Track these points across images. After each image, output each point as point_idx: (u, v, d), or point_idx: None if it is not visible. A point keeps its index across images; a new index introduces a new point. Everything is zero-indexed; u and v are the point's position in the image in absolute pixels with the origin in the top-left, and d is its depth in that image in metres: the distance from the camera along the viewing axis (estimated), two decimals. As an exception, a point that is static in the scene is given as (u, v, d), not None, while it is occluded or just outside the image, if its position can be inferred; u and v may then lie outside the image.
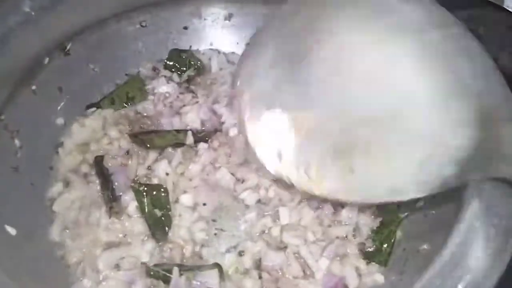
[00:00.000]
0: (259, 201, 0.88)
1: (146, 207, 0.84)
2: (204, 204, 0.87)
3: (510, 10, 1.24)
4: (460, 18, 1.22)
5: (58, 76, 0.96)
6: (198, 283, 0.77)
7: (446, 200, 0.77)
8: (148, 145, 0.93)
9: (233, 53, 1.12)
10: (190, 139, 0.94)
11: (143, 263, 0.80)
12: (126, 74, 1.06)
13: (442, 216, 0.76)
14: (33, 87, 0.91)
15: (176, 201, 0.87)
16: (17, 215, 0.80)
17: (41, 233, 0.83)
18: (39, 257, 0.79)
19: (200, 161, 0.92)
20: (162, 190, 0.86)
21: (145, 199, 0.85)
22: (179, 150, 0.93)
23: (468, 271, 0.54)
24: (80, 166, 0.92)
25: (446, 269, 0.55)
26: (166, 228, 0.84)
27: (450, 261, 0.56)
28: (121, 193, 0.88)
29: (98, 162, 0.91)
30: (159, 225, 0.84)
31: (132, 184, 0.87)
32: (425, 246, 0.75)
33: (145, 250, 0.82)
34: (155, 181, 0.89)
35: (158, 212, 0.84)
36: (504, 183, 0.59)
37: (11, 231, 0.76)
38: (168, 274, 0.77)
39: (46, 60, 0.92)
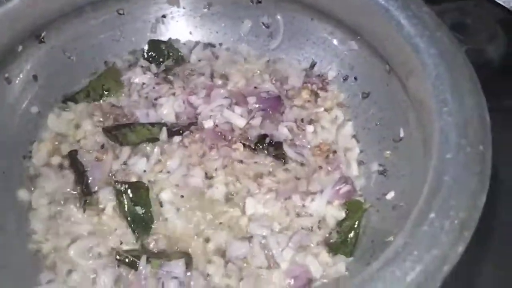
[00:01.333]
0: (228, 194, 0.88)
1: (126, 205, 0.84)
2: (182, 196, 0.87)
3: (499, 2, 1.24)
4: (448, 10, 1.22)
5: (32, 64, 0.96)
6: (164, 272, 0.77)
7: (414, 193, 0.77)
8: (122, 141, 0.92)
9: (212, 44, 1.11)
10: (164, 135, 0.93)
11: (113, 249, 0.80)
12: (105, 62, 1.06)
13: (410, 208, 0.76)
14: (6, 75, 0.91)
15: (156, 197, 0.87)
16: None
17: (12, 223, 0.83)
18: (9, 247, 0.79)
19: (176, 157, 0.91)
20: (142, 188, 0.86)
21: (125, 197, 0.84)
22: (156, 148, 0.92)
23: (420, 261, 0.54)
24: (54, 158, 0.92)
25: (398, 258, 0.55)
26: (147, 225, 0.84)
27: (403, 250, 0.55)
28: (96, 188, 0.88)
29: (73, 156, 0.90)
30: (140, 223, 0.84)
31: (112, 184, 0.86)
32: (391, 238, 0.75)
33: (119, 241, 0.82)
34: (132, 177, 0.88)
35: (139, 210, 0.84)
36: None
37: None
38: (136, 260, 0.78)
39: (20, 48, 0.92)
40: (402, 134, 0.87)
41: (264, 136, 0.94)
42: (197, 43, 1.11)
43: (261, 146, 0.93)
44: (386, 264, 0.54)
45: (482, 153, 0.63)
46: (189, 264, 0.79)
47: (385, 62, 0.90)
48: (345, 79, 1.01)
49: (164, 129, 0.94)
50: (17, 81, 0.93)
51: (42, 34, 0.95)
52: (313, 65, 1.06)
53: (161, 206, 0.86)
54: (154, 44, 1.09)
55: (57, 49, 0.99)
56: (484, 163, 0.63)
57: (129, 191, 0.84)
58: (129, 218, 0.83)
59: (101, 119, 0.97)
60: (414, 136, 0.83)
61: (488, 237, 0.87)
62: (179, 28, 1.11)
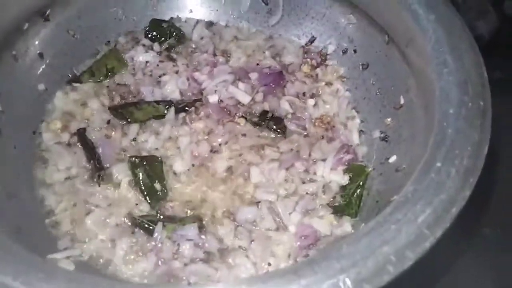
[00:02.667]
0: (233, 165, 0.91)
1: (141, 178, 0.86)
2: (192, 168, 0.90)
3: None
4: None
5: (38, 42, 0.97)
6: (179, 235, 0.79)
7: (416, 154, 0.81)
8: (129, 119, 0.95)
9: (213, 22, 1.13)
10: (171, 114, 0.95)
11: (129, 214, 0.83)
12: (107, 43, 1.07)
13: (412, 169, 0.79)
14: (13, 52, 0.92)
15: (169, 169, 0.89)
16: (0, 175, 0.81)
17: (24, 192, 0.84)
18: (24, 215, 0.81)
19: (184, 133, 0.94)
20: (156, 161, 0.89)
21: (140, 170, 0.86)
22: (166, 125, 0.94)
23: (430, 205, 0.58)
24: (64, 135, 0.94)
25: (409, 202, 0.58)
26: (162, 196, 0.86)
27: (413, 196, 0.59)
28: (107, 165, 0.90)
29: (81, 134, 0.92)
30: (155, 194, 0.86)
31: (126, 159, 0.89)
32: (395, 197, 0.78)
33: (135, 210, 0.85)
34: (143, 153, 0.91)
35: (154, 182, 0.86)
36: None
37: (-5, 189, 0.78)
38: (151, 225, 0.81)
39: (26, 25, 0.93)
40: (402, 101, 0.90)
41: (266, 112, 0.97)
42: (198, 21, 1.13)
43: (263, 122, 0.96)
44: (398, 208, 0.58)
45: (483, 108, 0.67)
46: (201, 228, 0.82)
47: (384, 33, 0.93)
48: (345, 52, 1.05)
49: (172, 108, 0.96)
50: (24, 59, 0.94)
51: (47, 12, 0.97)
52: (312, 40, 1.09)
53: (174, 177, 0.89)
54: (156, 23, 1.10)
55: (62, 27, 1.01)
56: (484, 117, 0.66)
57: (144, 163, 0.86)
58: (144, 190, 0.86)
59: (108, 98, 0.99)
60: (414, 102, 0.87)
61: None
62: (180, 6, 1.13)
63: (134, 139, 0.93)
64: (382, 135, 0.94)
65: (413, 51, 0.84)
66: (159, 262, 0.78)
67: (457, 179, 0.60)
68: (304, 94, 1.02)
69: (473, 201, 0.60)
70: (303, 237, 0.82)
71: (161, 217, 0.83)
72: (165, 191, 0.86)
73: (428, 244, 0.54)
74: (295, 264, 0.78)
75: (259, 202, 0.86)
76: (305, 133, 0.97)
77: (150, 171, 0.86)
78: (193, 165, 0.90)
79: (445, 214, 0.57)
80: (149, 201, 0.85)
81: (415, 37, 0.81)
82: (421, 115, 0.83)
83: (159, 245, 0.79)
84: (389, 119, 0.93)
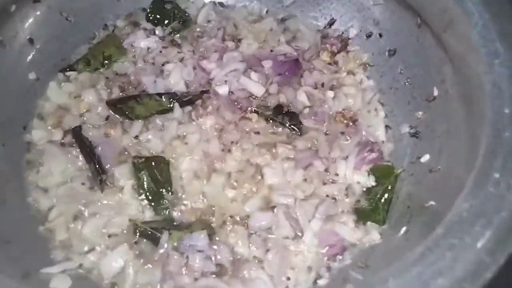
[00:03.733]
0: (245, 165, 0.82)
1: (145, 182, 0.77)
2: (201, 169, 0.81)
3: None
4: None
5: (28, 26, 0.87)
6: (187, 245, 0.71)
7: (455, 154, 0.72)
8: (130, 115, 0.84)
9: (221, 2, 1.02)
10: (177, 110, 0.85)
11: (131, 220, 0.75)
12: (104, 27, 0.97)
13: (452, 171, 0.70)
14: (0, 38, 0.82)
15: (176, 170, 0.80)
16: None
17: (14, 200, 0.76)
18: (13, 224, 0.72)
19: (193, 131, 0.84)
20: (162, 162, 0.79)
21: (144, 173, 0.77)
22: (172, 123, 0.84)
23: (490, 225, 0.48)
24: (57, 132, 0.84)
25: (465, 223, 0.49)
26: (168, 200, 0.78)
27: (469, 214, 0.50)
28: (108, 165, 0.80)
29: (77, 132, 0.82)
30: (161, 199, 0.77)
31: (129, 160, 0.79)
32: (432, 203, 0.70)
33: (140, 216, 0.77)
34: (147, 152, 0.81)
35: (159, 186, 0.77)
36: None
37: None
38: (155, 233, 0.73)
39: (13, 7, 0.83)
40: (436, 93, 0.81)
41: (280, 106, 0.87)
42: (205, 2, 1.02)
43: (276, 118, 0.86)
44: (452, 230, 0.49)
45: (544, 107, 0.57)
46: (211, 235, 0.74)
47: (416, 15, 0.83)
48: (369, 36, 0.94)
49: (177, 105, 0.85)
50: (12, 45, 0.84)
51: (37, -8, 0.86)
52: (332, 23, 0.99)
53: (181, 179, 0.79)
54: (158, 5, 1.00)
55: (54, 9, 0.90)
56: (546, 117, 0.57)
57: (149, 166, 0.77)
58: (149, 196, 0.77)
59: (106, 89, 0.89)
60: (450, 94, 0.77)
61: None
62: (185, -16, 1.02)
63: (136, 137, 0.83)
64: (412, 130, 0.85)
65: (452, 37, 0.74)
66: (166, 277, 0.70)
67: (520, 193, 0.51)
68: (322, 85, 0.92)
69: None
70: (327, 247, 0.74)
71: (166, 223, 0.74)
72: (172, 195, 0.78)
73: (490, 274, 0.45)
74: (319, 277, 0.71)
75: (274, 206, 0.77)
76: (324, 130, 0.87)
77: (155, 174, 0.77)
78: (201, 169, 0.80)
79: (508, 236, 0.48)
80: (154, 207, 0.76)
81: (456, 20, 0.71)
82: (458, 109, 0.74)
83: (166, 256, 0.71)
84: (420, 113, 0.84)
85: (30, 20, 0.87)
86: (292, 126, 0.86)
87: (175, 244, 0.72)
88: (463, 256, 0.46)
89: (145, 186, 0.76)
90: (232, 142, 0.83)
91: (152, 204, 0.76)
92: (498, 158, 0.54)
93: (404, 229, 0.73)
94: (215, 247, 0.73)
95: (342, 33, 0.97)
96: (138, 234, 0.74)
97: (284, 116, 0.86)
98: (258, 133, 0.85)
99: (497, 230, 0.48)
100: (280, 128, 0.86)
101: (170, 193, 0.77)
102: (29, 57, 0.87)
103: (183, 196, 0.78)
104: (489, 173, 0.53)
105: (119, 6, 0.98)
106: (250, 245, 0.75)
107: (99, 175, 0.78)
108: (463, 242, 0.47)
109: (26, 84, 0.86)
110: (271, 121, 0.86)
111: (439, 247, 0.47)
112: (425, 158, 0.79)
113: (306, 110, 0.88)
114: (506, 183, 0.51)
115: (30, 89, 0.87)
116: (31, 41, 0.87)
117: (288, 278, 0.72)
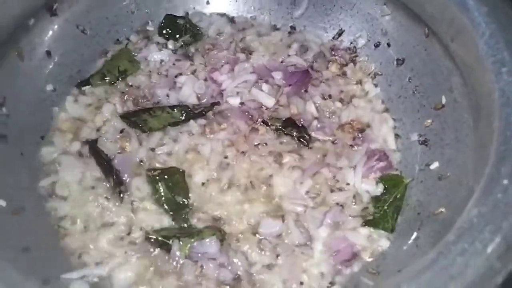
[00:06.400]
0: (255, 174, 0.83)
1: (162, 193, 0.78)
2: (214, 179, 0.82)
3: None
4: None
5: (45, 39, 0.89)
6: (199, 254, 0.72)
7: (464, 161, 0.73)
8: (143, 128, 0.86)
9: (231, 15, 1.05)
10: (191, 123, 0.87)
11: (142, 229, 0.76)
12: (116, 41, 1.00)
13: (461, 178, 0.71)
14: (19, 50, 0.85)
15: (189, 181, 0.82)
16: (6, 186, 0.74)
17: (33, 207, 0.77)
18: (32, 232, 0.74)
19: (205, 143, 0.86)
20: (177, 173, 0.81)
21: (160, 185, 0.79)
22: (185, 136, 0.86)
23: (499, 230, 0.49)
24: (74, 144, 0.86)
25: (475, 229, 0.50)
26: (186, 210, 0.79)
27: (479, 220, 0.51)
28: (125, 177, 0.81)
29: (93, 146, 0.84)
30: (179, 209, 0.79)
31: (144, 172, 0.81)
32: (442, 210, 0.71)
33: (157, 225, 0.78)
34: (162, 164, 0.83)
35: (176, 196, 0.79)
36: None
37: (1, 203, 0.71)
38: (167, 242, 0.74)
39: (32, 21, 0.86)
40: (444, 101, 0.82)
41: (290, 119, 0.89)
42: (215, 15, 1.04)
43: (285, 130, 0.87)
44: (462, 236, 0.50)
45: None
46: (222, 241, 0.75)
47: (424, 25, 0.84)
48: (377, 45, 0.96)
49: (191, 118, 0.88)
50: (31, 58, 0.87)
51: (54, 6, 0.89)
52: (340, 33, 1.01)
53: (195, 188, 0.81)
54: (171, 20, 1.02)
55: (70, 23, 0.93)
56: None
57: (164, 177, 0.79)
58: (167, 206, 0.78)
59: (120, 102, 0.91)
60: (459, 102, 0.78)
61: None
62: (196, -2, 1.04)
63: (152, 150, 0.85)
64: (421, 138, 0.86)
65: (460, 47, 0.75)
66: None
67: (529, 200, 0.52)
68: (330, 96, 0.93)
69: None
70: (337, 253, 0.75)
71: (177, 231, 0.76)
72: (189, 204, 0.79)
73: (500, 279, 0.46)
74: (332, 283, 0.73)
75: (283, 215, 0.79)
76: (332, 140, 0.88)
77: (171, 185, 0.79)
78: (214, 178, 0.82)
79: (517, 242, 0.49)
80: (172, 216, 0.78)
81: (463, 30, 0.72)
82: (467, 118, 0.75)
83: (179, 266, 0.72)
84: (429, 121, 0.85)
85: (48, 34, 0.89)
86: (300, 139, 0.87)
87: (187, 251, 0.73)
88: (473, 262, 0.47)
89: (163, 197, 0.78)
90: (242, 152, 0.85)
91: (171, 213, 0.78)
92: (507, 165, 0.55)
93: (414, 235, 0.74)
94: (228, 254, 0.74)
95: (351, 42, 0.99)
96: (151, 243, 0.75)
97: (293, 128, 0.88)
98: (266, 144, 0.86)
99: (506, 235, 0.49)
100: (288, 138, 0.87)
101: (187, 202, 0.79)
102: (47, 70, 0.90)
103: (198, 205, 0.79)
104: (497, 180, 0.54)
105: (134, 18, 1.01)
106: (261, 251, 0.76)
107: (117, 187, 0.79)
108: (473, 247, 0.48)
109: (43, 95, 0.89)
110: (280, 131, 0.88)
111: (450, 253, 0.48)
112: (435, 165, 0.80)
113: (315, 122, 0.89)
114: (515, 190, 0.53)
115: (47, 100, 0.89)
116: (48, 53, 0.90)
117: (301, 283, 0.72)
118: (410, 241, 0.74)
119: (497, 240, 0.49)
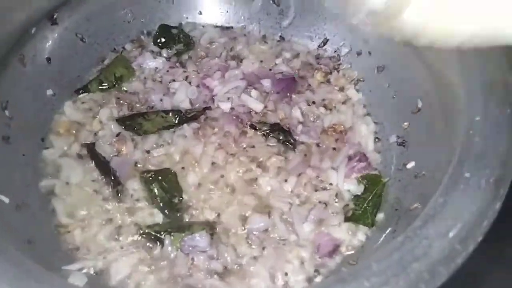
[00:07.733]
0: (243, 175, 0.89)
1: (157, 193, 0.83)
2: (206, 181, 0.87)
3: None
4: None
5: (46, 46, 0.95)
6: (190, 247, 0.77)
7: (437, 160, 0.79)
8: (139, 131, 0.92)
9: (223, 25, 1.11)
10: (184, 126, 0.93)
11: (136, 225, 0.81)
12: (113, 50, 1.05)
13: (434, 175, 0.77)
14: (21, 57, 0.90)
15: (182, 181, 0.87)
16: (9, 184, 0.79)
17: (35, 204, 0.82)
18: (34, 226, 0.78)
19: (196, 145, 0.91)
20: (170, 174, 0.86)
21: (155, 185, 0.84)
22: (179, 139, 0.91)
23: (461, 218, 0.55)
24: (73, 146, 0.91)
25: (439, 216, 0.56)
26: (180, 209, 0.84)
27: (443, 209, 0.57)
28: (121, 178, 0.86)
29: (91, 149, 0.89)
30: (174, 208, 0.83)
31: (139, 174, 0.86)
32: (416, 205, 0.77)
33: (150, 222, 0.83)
34: (156, 166, 0.88)
35: (171, 196, 0.84)
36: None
37: (4, 199, 0.75)
38: (160, 236, 0.79)
39: (33, 29, 0.91)
40: (420, 105, 0.88)
41: (276, 124, 0.94)
42: (207, 25, 1.10)
43: (271, 133, 0.93)
44: (428, 222, 0.55)
45: (510, 114, 0.65)
46: (212, 235, 0.80)
47: (401, 35, 0.90)
48: (359, 54, 1.02)
49: (184, 121, 0.93)
50: (32, 64, 0.92)
51: (55, 16, 0.94)
52: (325, 42, 1.07)
53: (188, 190, 0.86)
54: (165, 29, 1.08)
55: (70, 31, 0.98)
56: (513, 124, 0.64)
57: (158, 178, 0.84)
58: (162, 204, 0.83)
59: (116, 107, 0.96)
60: (433, 106, 0.84)
61: None
62: (189, 7, 1.10)
63: (148, 152, 0.90)
64: (399, 140, 0.92)
65: (432, 54, 0.82)
66: (175, 279, 0.76)
67: (487, 191, 0.58)
68: (314, 102, 0.99)
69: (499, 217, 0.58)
70: (318, 246, 0.80)
71: (169, 226, 0.81)
72: (182, 202, 0.84)
73: (461, 260, 0.52)
74: (315, 275, 0.78)
75: (269, 211, 0.84)
76: (317, 142, 0.94)
77: (165, 185, 0.84)
78: (205, 179, 0.87)
79: (476, 228, 0.55)
80: (167, 214, 0.83)
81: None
82: (440, 120, 0.81)
83: (172, 258, 0.77)
84: (406, 123, 0.91)
85: (49, 41, 0.95)
86: (286, 143, 0.92)
87: (179, 245, 0.78)
88: (437, 244, 0.53)
89: (158, 196, 0.83)
90: (232, 154, 0.90)
91: (166, 211, 0.83)
92: (469, 160, 0.61)
93: (391, 229, 0.79)
94: (218, 247, 0.79)
95: (335, 51, 1.06)
96: (145, 238, 0.80)
97: (280, 132, 0.93)
98: (254, 146, 0.92)
99: (467, 222, 0.55)
100: (275, 141, 0.93)
101: (181, 201, 0.84)
102: (47, 75, 0.95)
103: (191, 204, 0.85)
104: (461, 173, 0.60)
105: (129, 29, 1.07)
106: (249, 245, 0.81)
107: (115, 186, 0.84)
108: (437, 232, 0.54)
109: (44, 100, 0.94)
110: (267, 135, 0.93)
111: (417, 236, 0.54)
112: (411, 164, 0.86)
113: (300, 126, 0.95)
114: (475, 182, 0.58)
115: (47, 104, 0.94)
116: (49, 60, 0.95)
117: (286, 274, 0.78)
118: (387, 234, 0.79)
119: (458, 226, 0.55)
